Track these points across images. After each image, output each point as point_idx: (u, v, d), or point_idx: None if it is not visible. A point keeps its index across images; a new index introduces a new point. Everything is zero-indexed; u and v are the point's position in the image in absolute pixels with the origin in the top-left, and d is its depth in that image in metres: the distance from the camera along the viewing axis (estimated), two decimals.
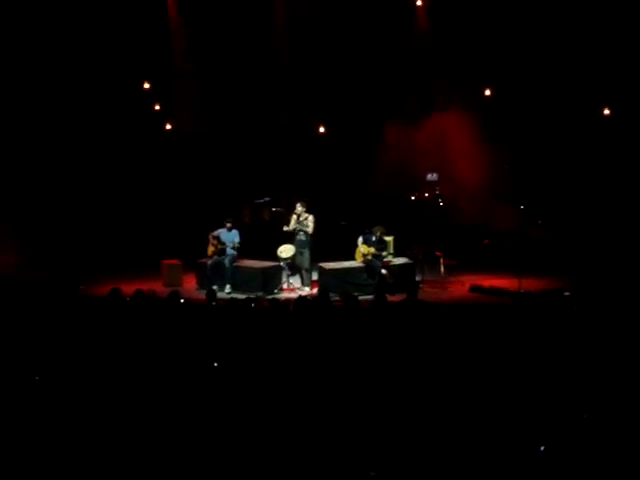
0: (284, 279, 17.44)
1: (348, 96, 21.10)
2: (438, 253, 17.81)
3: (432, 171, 22.36)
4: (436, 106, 20.65)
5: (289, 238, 17.37)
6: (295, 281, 17.56)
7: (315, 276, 17.56)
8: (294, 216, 17.22)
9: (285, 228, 17.33)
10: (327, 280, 16.84)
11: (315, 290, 16.85)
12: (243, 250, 17.54)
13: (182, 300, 11.68)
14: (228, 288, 17.09)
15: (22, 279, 16.53)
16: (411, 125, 20.31)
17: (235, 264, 17.35)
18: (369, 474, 6.13)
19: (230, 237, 17.25)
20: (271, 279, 17.27)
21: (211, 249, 17.42)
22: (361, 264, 16.92)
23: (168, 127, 21.65)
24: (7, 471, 6.36)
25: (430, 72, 20.92)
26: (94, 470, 6.37)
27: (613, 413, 6.83)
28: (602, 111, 20.07)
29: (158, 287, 16.07)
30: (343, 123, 21.46)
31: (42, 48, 19.78)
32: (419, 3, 20.98)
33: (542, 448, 6.26)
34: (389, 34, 20.61)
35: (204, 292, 13.61)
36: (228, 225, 17.36)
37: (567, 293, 12.87)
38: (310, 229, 17.08)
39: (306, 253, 17.12)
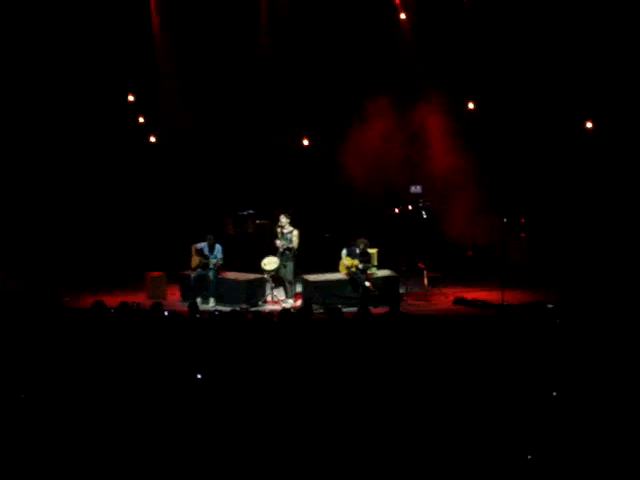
0: (268, 291, 17.42)
1: (331, 107, 21.16)
2: (421, 265, 17.83)
3: (416, 183, 22.41)
4: (419, 118, 20.75)
5: (273, 250, 17.36)
6: (279, 293, 17.55)
7: (299, 288, 17.57)
8: (278, 228, 17.22)
9: (277, 242, 17.28)
10: (311, 292, 16.86)
11: (299, 302, 16.86)
12: (227, 262, 17.52)
13: (166, 312, 11.67)
14: (212, 301, 17.07)
15: (3, 290, 16.46)
16: (394, 136, 20.38)
17: (219, 276, 17.33)
18: None
19: (213, 255, 17.20)
20: (255, 291, 17.26)
21: (195, 261, 17.39)
22: (345, 276, 16.92)
23: (152, 139, 21.62)
24: None
25: (412, 83, 21.02)
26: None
27: (595, 422, 6.87)
28: (585, 124, 20.18)
29: (142, 299, 16.07)
30: (326, 134, 21.51)
31: (28, 60, 19.75)
32: (403, 17, 21.07)
33: (529, 457, 6.30)
34: (372, 47, 20.70)
35: (188, 304, 13.59)
36: (209, 242, 17.30)
37: (550, 305, 12.88)
38: (295, 244, 17.07)
39: (290, 265, 17.12)
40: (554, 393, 7.64)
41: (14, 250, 19.09)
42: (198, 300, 16.29)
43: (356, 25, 20.62)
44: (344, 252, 16.99)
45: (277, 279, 17.50)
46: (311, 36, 20.86)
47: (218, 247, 17.30)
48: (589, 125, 20.14)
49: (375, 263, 17.21)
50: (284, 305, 16.53)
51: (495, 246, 18.31)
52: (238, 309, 13.11)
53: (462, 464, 6.33)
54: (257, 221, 21.51)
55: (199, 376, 8.31)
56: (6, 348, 9.49)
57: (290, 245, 17.06)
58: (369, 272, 16.87)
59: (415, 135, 20.71)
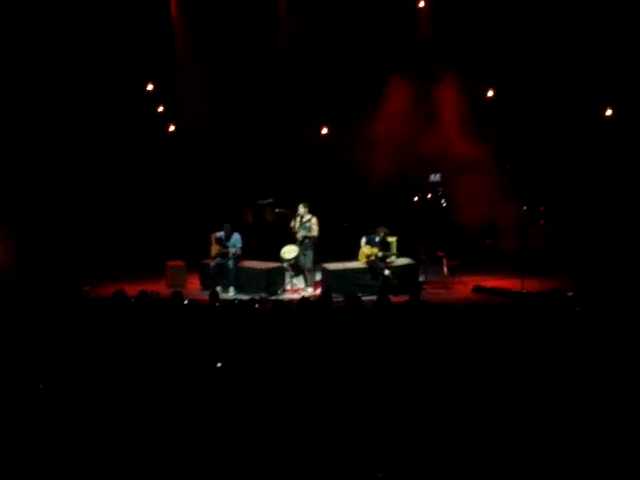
0: (287, 280, 17.44)
1: (349, 95, 21.13)
2: (440, 253, 17.80)
3: (435, 172, 22.42)
4: (438, 105, 20.73)
5: (292, 239, 17.39)
6: (298, 282, 17.58)
7: (318, 277, 17.59)
8: (297, 217, 17.23)
9: (293, 228, 17.32)
10: (330, 281, 16.85)
11: (318, 291, 16.88)
12: (246, 251, 17.54)
13: (186, 301, 11.73)
14: (232, 290, 17.11)
15: (25, 279, 16.56)
16: (412, 124, 20.35)
17: (239, 265, 17.37)
18: (375, 475, 6.15)
19: (232, 244, 17.25)
20: (274, 280, 17.26)
21: (214, 250, 17.43)
22: (364, 265, 16.92)
23: (171, 128, 21.67)
24: (10, 471, 6.39)
25: (431, 71, 20.99)
26: (99, 471, 6.40)
27: (615, 413, 6.85)
28: (604, 111, 20.09)
29: (162, 288, 16.12)
30: (345, 122, 21.50)
31: (45, 50, 19.81)
32: (422, 4, 21.04)
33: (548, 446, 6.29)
34: (390, 37, 20.65)
35: (207, 293, 13.62)
36: (226, 231, 17.36)
37: (570, 293, 12.84)
38: (315, 232, 17.07)
39: (309, 254, 17.13)
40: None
41: (36, 240, 19.21)
42: (218, 289, 16.31)
43: (374, 13, 20.58)
44: (363, 240, 16.98)
45: (296, 268, 17.49)
46: (329, 24, 20.84)
47: (237, 236, 17.31)
48: (609, 112, 20.05)
49: (395, 251, 17.18)
50: (303, 294, 16.53)
51: (515, 234, 18.26)
52: (257, 298, 13.16)
53: (484, 453, 6.33)
54: (276, 210, 21.58)
55: (219, 365, 8.34)
56: (27, 337, 9.57)
57: (310, 234, 17.07)
58: (389, 260, 16.87)
59: (434, 122, 20.65)
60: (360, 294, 13.75)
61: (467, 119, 20.12)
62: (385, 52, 20.72)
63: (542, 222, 20.31)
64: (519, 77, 20.15)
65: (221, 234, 17.35)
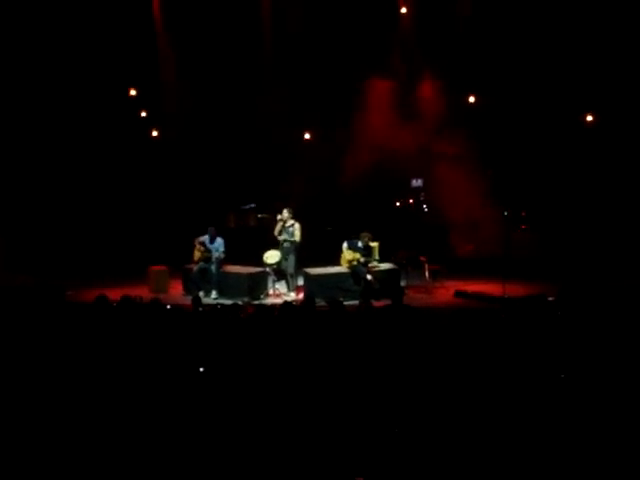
0: (270, 285, 17.47)
1: (332, 100, 21.21)
2: (422, 258, 17.87)
3: (417, 177, 22.53)
4: (419, 108, 20.88)
5: (275, 244, 17.42)
6: (281, 286, 17.62)
7: (301, 281, 17.63)
8: (280, 223, 17.27)
9: (276, 234, 17.35)
10: (313, 285, 16.88)
11: (301, 295, 16.91)
12: (229, 256, 17.57)
13: (168, 306, 11.73)
14: (214, 294, 17.13)
15: (7, 284, 16.51)
16: (395, 130, 20.45)
17: (221, 270, 17.39)
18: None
19: (215, 247, 17.28)
20: (257, 285, 17.31)
21: (197, 254, 17.43)
22: (347, 270, 16.98)
23: (154, 134, 21.68)
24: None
25: (413, 75, 21.11)
26: (82, 474, 6.41)
27: (597, 414, 6.91)
28: (585, 117, 20.24)
29: (145, 293, 16.11)
30: (327, 128, 21.59)
31: (29, 54, 19.79)
32: (403, 11, 21.14)
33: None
34: (373, 41, 20.73)
35: (190, 298, 13.64)
36: (210, 234, 17.37)
37: (551, 298, 12.91)
38: (297, 238, 17.14)
39: (291, 259, 17.17)
40: (562, 375, 7.71)
41: (19, 245, 19.17)
42: (200, 294, 16.33)
43: (357, 16, 20.66)
44: (345, 245, 17.03)
45: (279, 272, 17.54)
46: (311, 28, 20.89)
47: (220, 240, 17.34)
48: (590, 118, 20.19)
49: (377, 257, 17.24)
50: (286, 298, 16.56)
51: (496, 239, 18.35)
52: (240, 302, 13.14)
53: (466, 456, 6.37)
54: (258, 215, 21.63)
55: (202, 369, 8.36)
56: (10, 342, 9.55)
57: (292, 239, 17.12)
58: (370, 265, 16.93)
59: (415, 126, 20.76)
60: (342, 299, 13.82)
61: (448, 123, 20.25)
62: (367, 55, 20.79)
63: (524, 227, 20.41)
64: (501, 81, 20.25)
65: (204, 238, 17.36)
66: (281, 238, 17.19)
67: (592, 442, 6.49)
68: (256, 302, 16.00)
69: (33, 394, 7.79)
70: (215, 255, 17.14)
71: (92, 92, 20.45)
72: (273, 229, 17.46)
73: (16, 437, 6.90)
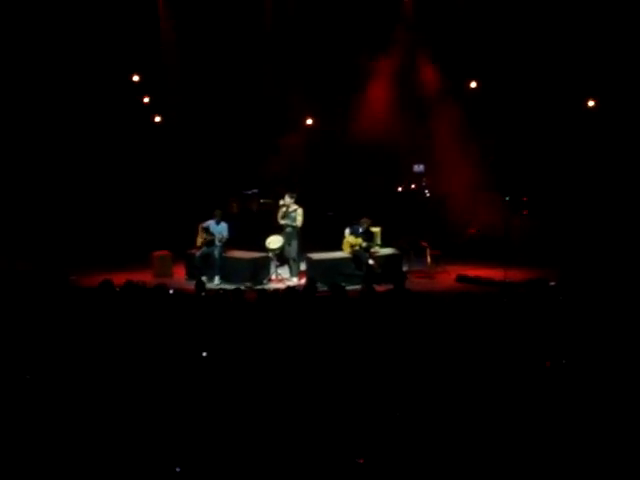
0: (272, 270, 17.51)
1: (334, 85, 21.22)
2: (424, 243, 17.90)
3: (419, 162, 22.53)
4: (420, 94, 20.91)
5: (277, 229, 17.46)
6: (283, 272, 17.64)
7: (303, 266, 17.67)
8: (282, 208, 17.30)
9: (279, 219, 17.40)
10: (315, 271, 16.92)
11: (303, 280, 16.94)
12: (232, 241, 17.61)
13: (171, 291, 11.78)
14: (217, 279, 17.17)
15: (10, 269, 16.54)
16: (395, 115, 20.47)
17: (224, 255, 17.42)
18: (356, 461, 6.23)
19: (218, 230, 17.32)
20: (260, 270, 17.34)
21: (200, 239, 17.46)
22: (349, 255, 17.03)
23: (157, 119, 21.68)
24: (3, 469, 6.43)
25: (413, 60, 21.13)
26: (86, 460, 6.45)
27: (598, 400, 6.95)
28: (587, 103, 20.21)
29: (148, 278, 16.18)
30: (330, 112, 21.60)
31: (30, 43, 19.78)
32: None
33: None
34: (374, 26, 20.72)
35: (193, 283, 13.68)
36: (216, 217, 17.43)
37: (552, 283, 12.94)
38: (299, 223, 17.16)
39: (294, 244, 17.20)
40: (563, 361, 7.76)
41: (22, 230, 19.19)
42: (204, 279, 16.35)
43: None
44: (347, 231, 17.10)
45: (281, 258, 17.57)
46: (312, 12, 20.89)
47: (224, 225, 17.38)
48: (591, 103, 20.16)
49: (379, 242, 17.28)
50: (288, 283, 16.63)
51: (497, 224, 18.38)
52: (242, 287, 13.19)
53: (468, 441, 6.41)
54: (261, 200, 21.64)
55: (205, 354, 8.41)
56: (14, 328, 9.60)
57: (294, 224, 17.15)
58: (372, 250, 16.97)
59: (417, 112, 20.79)
60: (344, 284, 13.85)
61: (449, 107, 20.27)
62: (367, 39, 20.78)
63: (525, 212, 20.42)
64: (502, 66, 20.23)
65: (209, 222, 17.39)
66: (284, 222, 17.24)
67: (593, 427, 6.54)
68: (259, 287, 16.03)
69: (38, 379, 7.85)
70: (218, 237, 17.16)
71: (95, 78, 20.42)
72: (276, 214, 17.49)
73: (19, 422, 6.95)
